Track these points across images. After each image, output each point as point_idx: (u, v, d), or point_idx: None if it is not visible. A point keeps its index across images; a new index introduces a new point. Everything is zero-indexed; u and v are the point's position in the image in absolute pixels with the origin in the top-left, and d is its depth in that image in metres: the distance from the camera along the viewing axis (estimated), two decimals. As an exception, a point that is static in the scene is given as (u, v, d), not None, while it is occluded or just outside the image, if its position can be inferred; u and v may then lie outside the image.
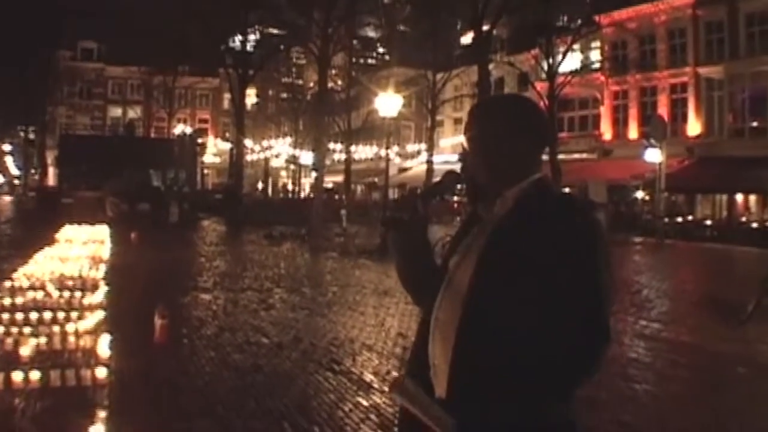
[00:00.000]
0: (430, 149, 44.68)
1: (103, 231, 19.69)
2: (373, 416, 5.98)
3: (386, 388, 6.65)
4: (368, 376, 7.18)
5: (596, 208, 2.11)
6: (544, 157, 2.30)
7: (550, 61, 33.57)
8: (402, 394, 2.09)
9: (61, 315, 8.48)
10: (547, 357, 1.88)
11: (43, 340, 7.39)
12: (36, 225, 21.42)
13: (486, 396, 1.92)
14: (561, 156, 32.87)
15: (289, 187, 69.61)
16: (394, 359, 8.00)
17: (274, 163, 65.53)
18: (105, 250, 15.71)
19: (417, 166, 53.40)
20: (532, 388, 1.90)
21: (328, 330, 9.65)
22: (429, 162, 43.17)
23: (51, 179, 55.30)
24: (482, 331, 1.97)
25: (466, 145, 2.23)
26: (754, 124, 33.32)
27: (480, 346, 1.97)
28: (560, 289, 1.90)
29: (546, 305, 1.90)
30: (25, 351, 6.95)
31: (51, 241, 16.08)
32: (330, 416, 6.00)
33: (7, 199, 58.55)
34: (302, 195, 60.07)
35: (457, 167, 2.32)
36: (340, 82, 53.09)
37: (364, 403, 6.31)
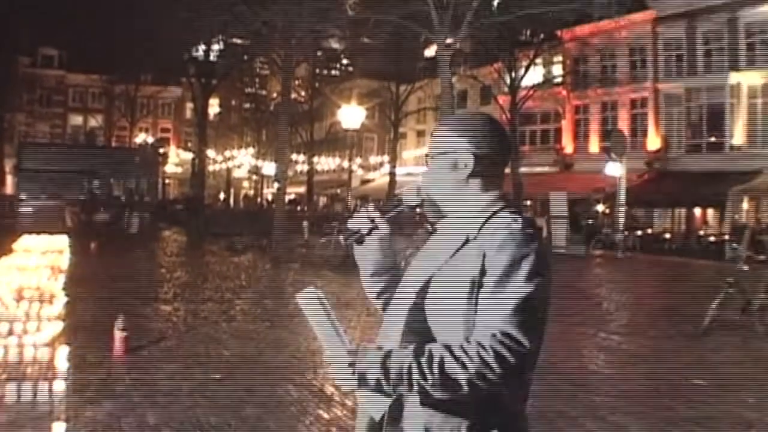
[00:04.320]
0: (393, 161, 44.82)
1: (62, 241, 19.42)
2: (334, 430, 5.97)
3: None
4: (329, 389, 7.16)
5: (538, 233, 2.17)
6: (506, 170, 2.37)
7: (513, 74, 33.85)
8: (306, 301, 2.10)
9: (18, 326, 8.34)
10: (470, 365, 1.93)
11: (-1, 352, 7.26)
12: (-7, 234, 21.07)
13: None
14: (523, 169, 33.14)
15: (245, 197, 69.37)
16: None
17: (237, 173, 65.26)
18: (64, 261, 15.49)
19: (380, 178, 53.51)
20: (459, 389, 1.94)
21: (289, 342, 9.61)
22: (392, 174, 43.30)
23: (9, 188, 54.40)
24: (419, 335, 2.07)
25: (427, 161, 2.29)
26: (712, 139, 33.87)
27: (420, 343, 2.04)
28: (490, 303, 1.99)
29: (476, 316, 2.01)
30: (-20, 364, 6.83)
31: (8, 251, 15.82)
32: (291, 429, 5.98)
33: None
34: (264, 205, 59.82)
35: (419, 181, 2.37)
36: (303, 93, 53.05)
37: (325, 416, 6.30)
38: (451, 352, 1.94)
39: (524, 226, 2.11)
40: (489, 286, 2.00)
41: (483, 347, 1.92)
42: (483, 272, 2.02)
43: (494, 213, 2.15)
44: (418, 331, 2.08)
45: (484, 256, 2.03)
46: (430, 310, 2.10)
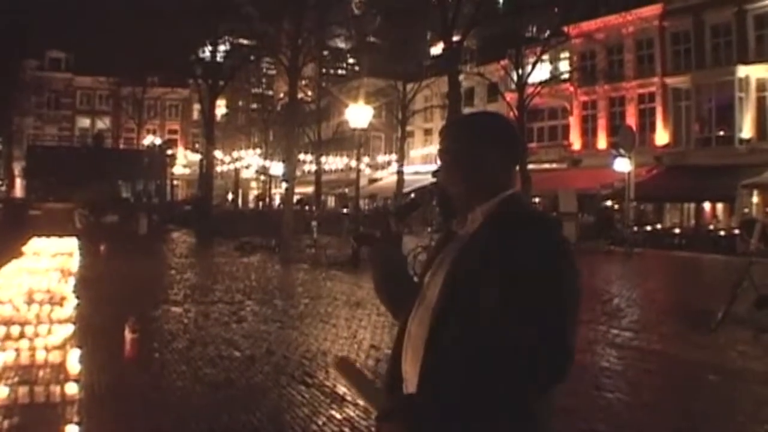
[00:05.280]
0: (401, 160, 44.74)
1: (71, 243, 19.46)
2: (347, 429, 5.96)
3: (361, 402, 6.62)
4: (341, 389, 7.12)
5: (562, 227, 2.11)
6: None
7: (520, 71, 33.71)
8: (340, 370, 2.13)
9: (29, 330, 8.34)
10: (509, 372, 1.88)
11: (10, 355, 7.27)
12: (2, 237, 21.11)
13: (450, 406, 1.92)
14: (531, 166, 33.05)
15: (257, 197, 69.46)
16: (368, 371, 7.96)
17: (245, 174, 65.31)
18: (74, 263, 15.51)
19: (387, 177, 53.48)
20: (494, 401, 1.89)
21: (300, 342, 9.60)
22: (399, 172, 43.22)
23: (18, 191, 54.60)
24: (447, 344, 1.99)
25: (439, 161, 2.25)
26: (720, 133, 33.80)
27: (445, 358, 1.98)
28: (523, 306, 1.90)
29: (508, 321, 1.90)
30: (-7, 367, 6.83)
31: (18, 254, 15.85)
32: (304, 430, 5.96)
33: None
34: (270, 205, 59.87)
35: (430, 182, 2.35)
36: (310, 93, 53.02)
37: (338, 416, 6.28)
38: (497, 365, 1.89)
39: (542, 222, 2.09)
40: (515, 286, 1.91)
41: (528, 349, 1.87)
42: (505, 271, 1.93)
43: (508, 211, 2.11)
44: (445, 337, 2.00)
45: (504, 254, 1.95)
46: (454, 313, 2.00)
